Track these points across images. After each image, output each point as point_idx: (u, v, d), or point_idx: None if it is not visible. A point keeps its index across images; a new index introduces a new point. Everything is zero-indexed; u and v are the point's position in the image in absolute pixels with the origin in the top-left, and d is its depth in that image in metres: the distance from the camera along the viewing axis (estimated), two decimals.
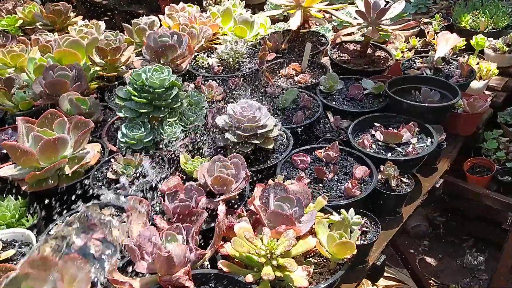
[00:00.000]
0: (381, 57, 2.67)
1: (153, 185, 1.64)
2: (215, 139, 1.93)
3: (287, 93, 2.22)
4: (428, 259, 3.46)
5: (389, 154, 1.90)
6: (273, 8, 3.36)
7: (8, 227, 1.62)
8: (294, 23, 2.63)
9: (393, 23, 2.61)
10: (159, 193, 1.68)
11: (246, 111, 1.84)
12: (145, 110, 1.91)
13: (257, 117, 1.83)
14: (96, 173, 1.83)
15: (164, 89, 1.90)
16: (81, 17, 3.31)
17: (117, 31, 2.69)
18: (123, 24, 2.87)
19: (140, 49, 2.62)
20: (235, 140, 1.82)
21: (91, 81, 2.39)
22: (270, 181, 1.52)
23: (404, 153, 1.89)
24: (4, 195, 1.75)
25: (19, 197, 1.73)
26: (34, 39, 2.78)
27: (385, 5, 2.51)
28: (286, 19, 3.44)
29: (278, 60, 2.61)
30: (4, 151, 1.85)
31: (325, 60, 2.77)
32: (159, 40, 2.35)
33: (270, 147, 1.87)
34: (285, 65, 2.60)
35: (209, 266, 1.43)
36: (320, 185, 1.73)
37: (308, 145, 1.95)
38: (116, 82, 2.44)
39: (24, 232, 1.56)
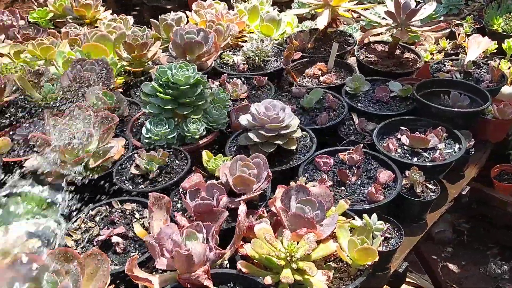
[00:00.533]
0: (410, 59, 2.61)
1: None
2: (238, 138, 1.93)
3: (312, 93, 2.20)
4: (451, 266, 3.39)
5: (415, 159, 1.86)
6: (300, 6, 3.33)
7: (32, 218, 1.65)
8: (321, 22, 2.60)
9: (423, 25, 2.55)
10: (181, 189, 1.69)
11: (270, 111, 1.83)
12: (170, 107, 1.92)
13: (281, 117, 1.82)
14: (119, 168, 1.84)
15: (189, 86, 1.91)
16: (110, 11, 3.35)
17: (145, 26, 2.71)
18: (150, 19, 2.89)
19: (166, 45, 2.64)
20: (258, 140, 1.81)
21: (118, 76, 2.42)
22: (292, 183, 1.51)
23: (430, 159, 1.84)
24: (30, 186, 1.78)
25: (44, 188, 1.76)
26: (64, 32, 2.82)
27: (416, 6, 2.46)
28: (313, 17, 3.40)
29: (304, 60, 2.59)
30: (32, 142, 1.89)
31: (352, 61, 2.73)
32: (186, 36, 2.36)
33: (293, 147, 1.86)
34: (311, 64, 2.57)
35: (228, 266, 1.43)
36: (343, 188, 1.71)
37: (332, 147, 1.92)
38: (142, 78, 2.46)
39: (48, 224, 1.58)
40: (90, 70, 2.17)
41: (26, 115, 2.21)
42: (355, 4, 2.72)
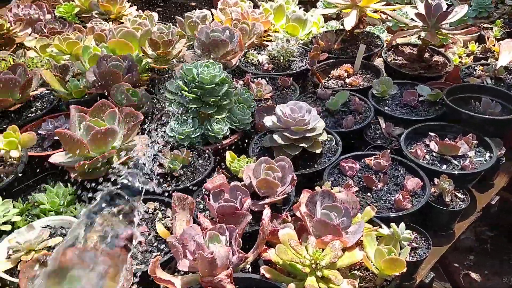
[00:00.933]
0: (439, 63, 2.55)
1: None
2: (262, 139, 1.91)
3: (338, 96, 2.16)
4: (473, 275, 3.31)
5: (444, 166, 1.81)
6: (326, 6, 3.28)
7: (56, 214, 1.65)
8: (348, 23, 2.55)
9: (453, 28, 2.49)
10: (204, 190, 1.68)
11: (296, 113, 1.80)
12: (194, 106, 1.90)
13: (306, 120, 1.79)
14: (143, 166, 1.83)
15: (214, 85, 1.89)
16: (135, 7, 3.36)
17: (170, 23, 2.70)
18: (176, 17, 2.88)
19: (191, 43, 2.62)
20: (282, 142, 1.79)
21: (143, 73, 2.41)
22: (317, 188, 1.48)
23: (460, 167, 1.79)
24: (54, 181, 1.80)
25: (68, 184, 1.77)
26: (89, 28, 2.83)
27: (447, 9, 2.39)
28: (338, 17, 3.35)
29: (330, 61, 2.55)
30: (56, 138, 1.89)
31: (379, 63, 2.67)
32: (211, 35, 2.34)
33: (318, 151, 1.83)
34: (337, 66, 2.52)
35: (250, 270, 1.40)
36: (369, 194, 1.67)
37: (358, 151, 1.88)
38: (166, 75, 2.45)
39: (72, 220, 1.58)
40: (115, 67, 2.17)
41: (52, 109, 2.22)
42: (383, 5, 2.67)
